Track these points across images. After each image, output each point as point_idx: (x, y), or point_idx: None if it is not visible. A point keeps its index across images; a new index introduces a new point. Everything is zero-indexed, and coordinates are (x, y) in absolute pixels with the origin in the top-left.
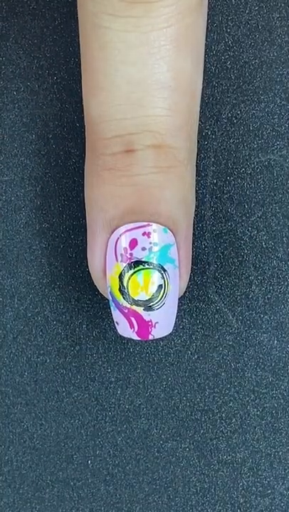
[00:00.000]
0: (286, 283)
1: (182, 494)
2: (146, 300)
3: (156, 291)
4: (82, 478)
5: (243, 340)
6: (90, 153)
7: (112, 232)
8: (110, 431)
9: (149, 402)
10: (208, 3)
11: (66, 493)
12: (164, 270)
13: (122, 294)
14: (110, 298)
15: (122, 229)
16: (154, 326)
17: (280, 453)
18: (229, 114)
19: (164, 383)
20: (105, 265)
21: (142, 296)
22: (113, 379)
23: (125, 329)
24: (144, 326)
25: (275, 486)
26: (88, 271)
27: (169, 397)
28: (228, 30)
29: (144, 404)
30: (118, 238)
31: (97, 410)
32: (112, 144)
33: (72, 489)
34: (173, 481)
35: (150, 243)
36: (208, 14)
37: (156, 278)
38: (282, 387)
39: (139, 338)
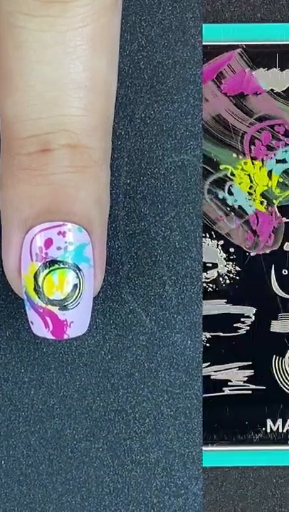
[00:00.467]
0: (199, 283)
1: (95, 494)
2: (62, 299)
3: (72, 290)
4: None
5: (156, 340)
6: (5, 154)
7: (27, 232)
8: (24, 431)
9: (62, 402)
10: (122, 3)
11: None
12: (79, 269)
13: (37, 294)
14: (25, 297)
15: (37, 228)
16: (69, 326)
17: (194, 453)
18: (142, 114)
19: (78, 383)
20: (20, 265)
21: (57, 295)
22: (26, 379)
23: (40, 329)
24: (59, 325)
25: (189, 486)
26: (2, 270)
27: (82, 398)
28: (142, 30)
29: (58, 405)
30: (33, 238)
31: (11, 410)
32: (27, 144)
33: None
34: (86, 481)
35: (65, 242)
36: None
37: (71, 277)
38: (196, 387)
39: (54, 338)
